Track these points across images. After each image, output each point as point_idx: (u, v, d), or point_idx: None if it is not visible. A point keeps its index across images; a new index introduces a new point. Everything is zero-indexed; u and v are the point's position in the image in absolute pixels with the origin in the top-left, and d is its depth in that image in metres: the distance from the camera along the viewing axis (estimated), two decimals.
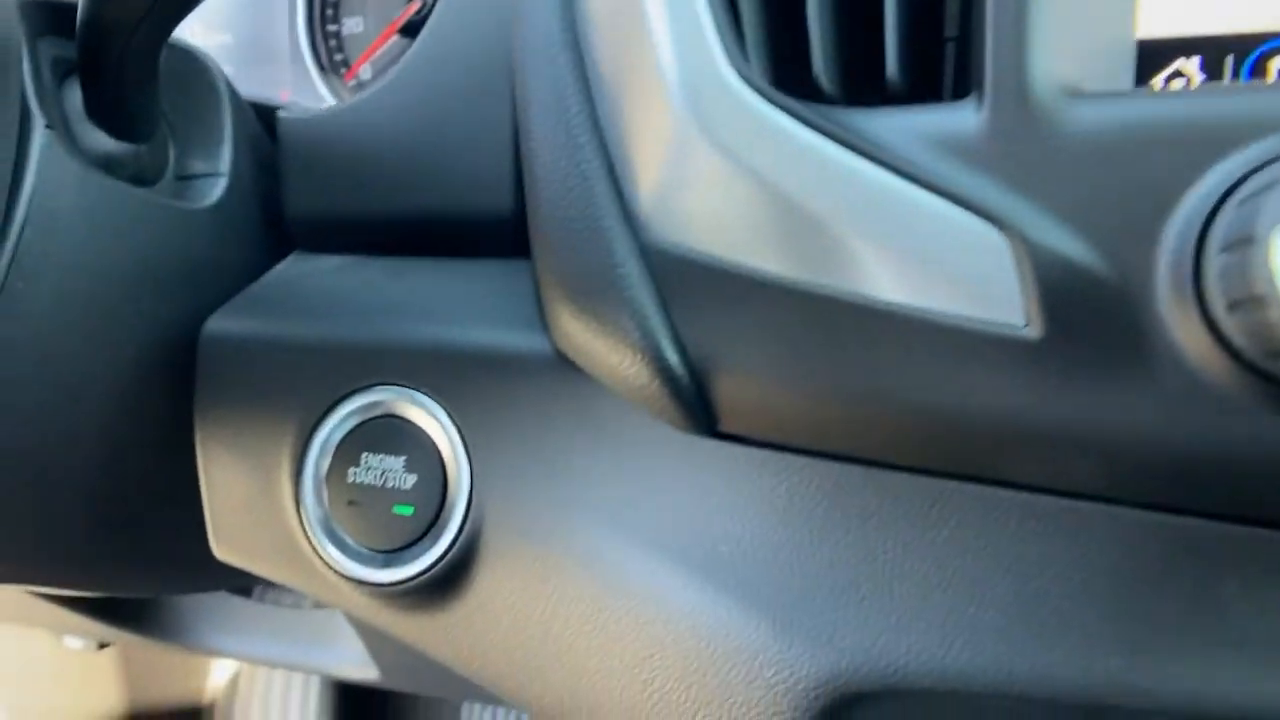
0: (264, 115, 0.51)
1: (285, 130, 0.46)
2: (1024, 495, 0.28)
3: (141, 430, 0.42)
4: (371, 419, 0.38)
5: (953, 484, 0.29)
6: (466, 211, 0.43)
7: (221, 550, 0.41)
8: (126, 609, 0.70)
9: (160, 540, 0.46)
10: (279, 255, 0.48)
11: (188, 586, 0.54)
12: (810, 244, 0.29)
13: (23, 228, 0.36)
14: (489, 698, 0.71)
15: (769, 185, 0.29)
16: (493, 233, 0.43)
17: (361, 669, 0.69)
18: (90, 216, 0.38)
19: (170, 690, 1.02)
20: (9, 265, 0.36)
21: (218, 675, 1.07)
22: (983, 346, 0.27)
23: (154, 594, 0.55)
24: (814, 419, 0.30)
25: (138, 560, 0.47)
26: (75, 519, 0.41)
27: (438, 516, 0.36)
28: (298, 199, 0.45)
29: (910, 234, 0.27)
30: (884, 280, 0.28)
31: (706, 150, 0.29)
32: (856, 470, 0.30)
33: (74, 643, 0.85)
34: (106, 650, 0.93)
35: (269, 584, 0.75)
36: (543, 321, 0.37)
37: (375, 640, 0.59)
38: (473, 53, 0.42)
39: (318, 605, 0.74)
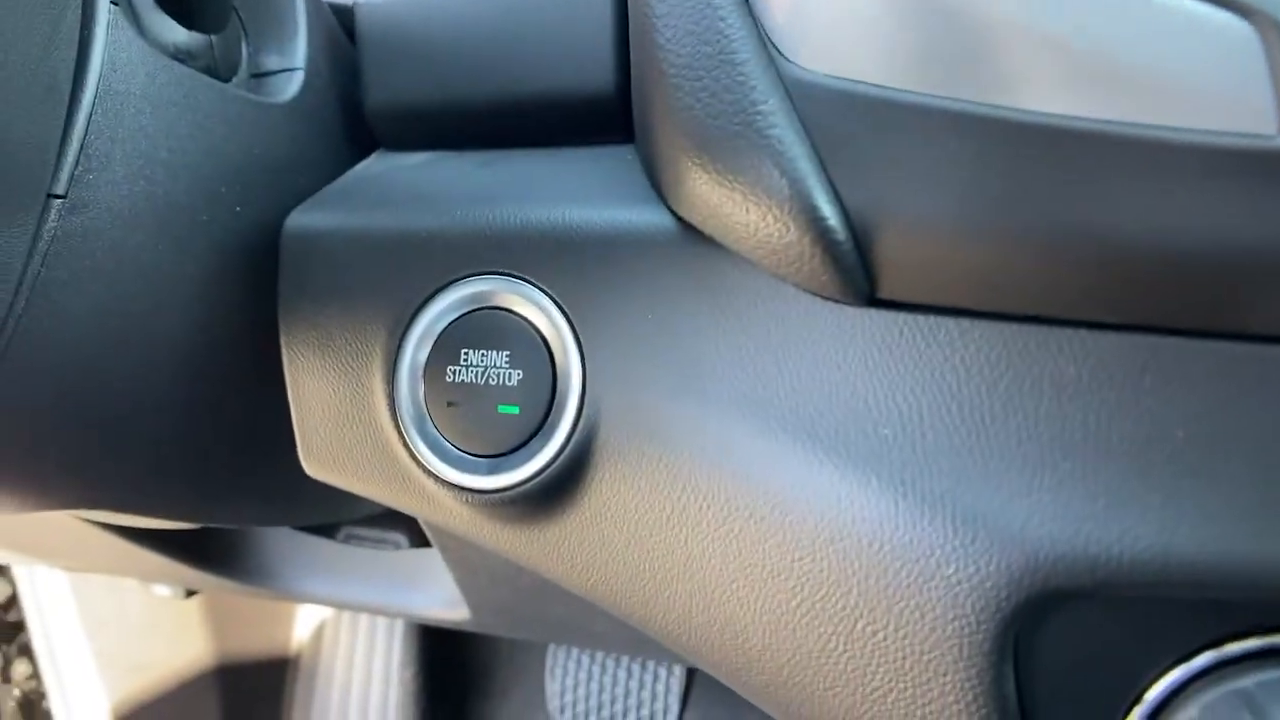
0: (341, 16, 0.47)
1: (364, 17, 0.42)
2: (1267, 348, 0.23)
3: (225, 339, 0.39)
4: (470, 312, 0.34)
5: (1172, 340, 0.24)
6: (563, 92, 0.39)
7: (311, 465, 0.38)
8: (214, 553, 0.68)
9: (247, 461, 0.44)
10: (360, 157, 0.44)
11: (276, 516, 0.51)
12: (988, 59, 0.24)
13: (91, 111, 0.33)
14: (577, 640, 0.68)
15: None
16: (592, 115, 0.39)
17: (450, 610, 0.66)
18: (162, 105, 0.35)
19: (256, 640, 1.02)
20: (79, 152, 0.33)
21: (303, 626, 1.06)
22: (1218, 163, 0.22)
23: (242, 524, 0.52)
24: (997, 273, 0.25)
25: (225, 483, 0.44)
26: (158, 438, 0.39)
27: (547, 415, 0.33)
28: (380, 90, 0.42)
29: (1117, 33, 0.23)
30: (1083, 94, 0.23)
31: None
32: (1048, 331, 0.25)
33: (162, 590, 0.85)
34: (194, 601, 0.93)
35: (351, 530, 0.73)
36: (658, 194, 0.33)
37: (467, 575, 0.56)
38: None
39: (398, 547, 0.72)
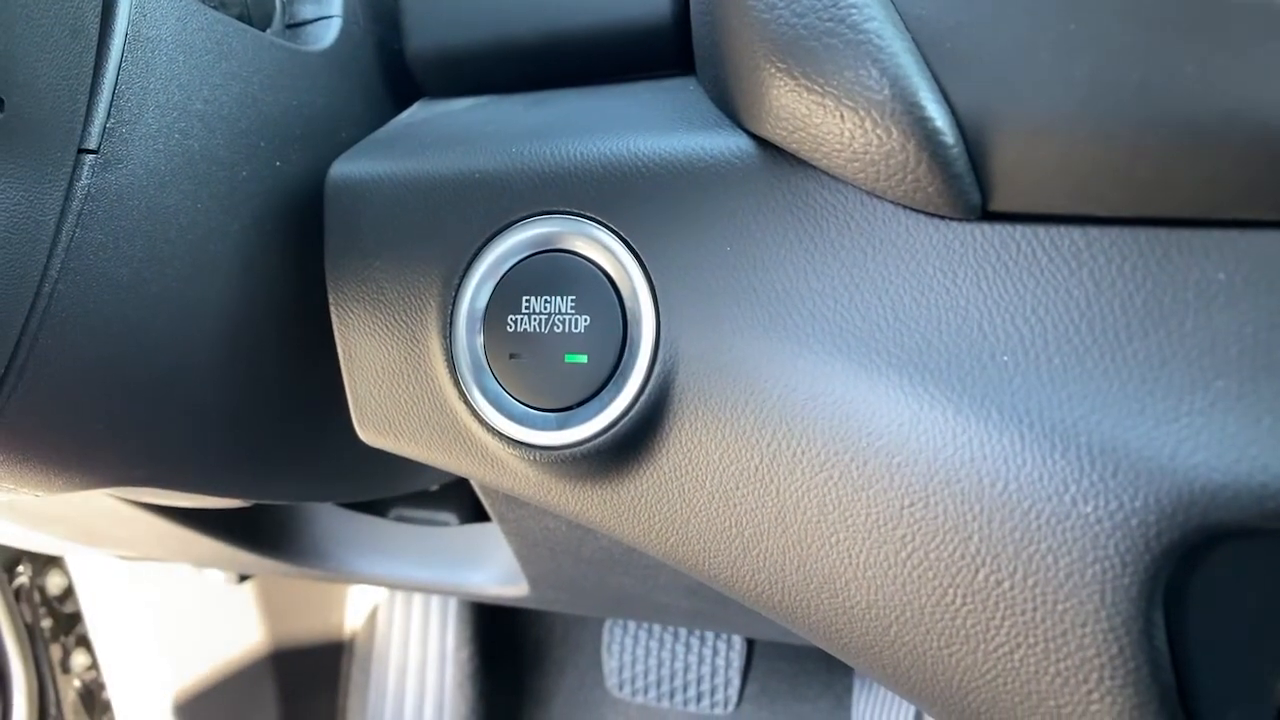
0: None
1: None
2: None
3: (268, 301, 0.37)
4: (530, 256, 0.32)
5: None
6: (615, 24, 0.36)
7: (366, 430, 0.36)
8: (265, 535, 0.67)
9: (294, 430, 0.42)
10: (400, 109, 0.42)
11: (325, 490, 0.50)
12: None
13: (121, 58, 0.31)
14: (638, 612, 0.66)
15: None
16: (648, 48, 0.36)
17: (507, 587, 0.64)
18: (195, 52, 0.33)
19: (311, 625, 1.01)
20: (109, 103, 0.31)
21: (356, 610, 1.06)
22: None
23: (289, 499, 0.51)
24: (1133, 172, 0.22)
25: (270, 455, 0.42)
26: (201, 407, 0.37)
27: (618, 363, 0.30)
28: (421, 34, 0.39)
29: None
30: None
31: None
32: (1191, 234, 0.22)
33: (215, 576, 0.84)
34: (247, 587, 0.93)
35: (401, 510, 0.72)
36: (731, 118, 0.30)
37: (526, 547, 0.54)
38: None
39: (448, 524, 0.70)
